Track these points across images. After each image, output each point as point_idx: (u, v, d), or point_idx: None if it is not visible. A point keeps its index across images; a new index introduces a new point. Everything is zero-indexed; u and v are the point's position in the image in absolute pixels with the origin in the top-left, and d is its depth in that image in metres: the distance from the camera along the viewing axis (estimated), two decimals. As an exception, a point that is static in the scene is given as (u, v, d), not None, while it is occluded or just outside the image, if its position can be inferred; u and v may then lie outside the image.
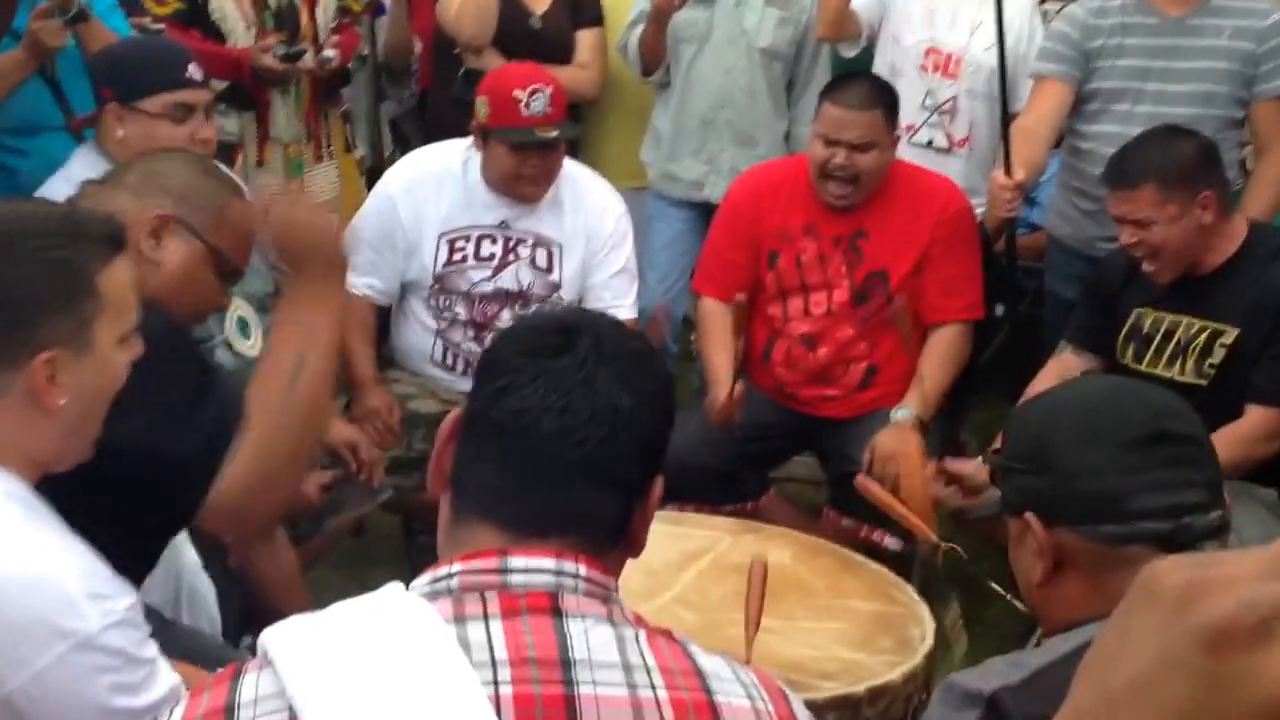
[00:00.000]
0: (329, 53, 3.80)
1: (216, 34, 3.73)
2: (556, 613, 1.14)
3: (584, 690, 1.11)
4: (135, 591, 1.58)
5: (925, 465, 3.19)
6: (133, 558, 2.16)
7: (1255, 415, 2.97)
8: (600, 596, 1.18)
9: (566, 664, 1.11)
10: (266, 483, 1.95)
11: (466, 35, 4.18)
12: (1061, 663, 1.34)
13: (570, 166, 3.52)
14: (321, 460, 3.20)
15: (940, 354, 3.44)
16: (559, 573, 1.16)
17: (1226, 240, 3.05)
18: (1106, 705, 0.56)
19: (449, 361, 3.49)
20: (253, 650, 2.50)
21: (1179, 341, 3.10)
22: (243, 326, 2.95)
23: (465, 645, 1.10)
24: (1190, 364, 3.07)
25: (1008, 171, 3.44)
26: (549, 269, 3.45)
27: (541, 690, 1.10)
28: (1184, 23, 3.46)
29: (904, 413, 3.33)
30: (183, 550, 2.48)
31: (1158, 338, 3.13)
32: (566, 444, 1.18)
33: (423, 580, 1.17)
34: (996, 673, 1.37)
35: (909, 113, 3.80)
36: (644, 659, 1.14)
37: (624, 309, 3.46)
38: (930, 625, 2.47)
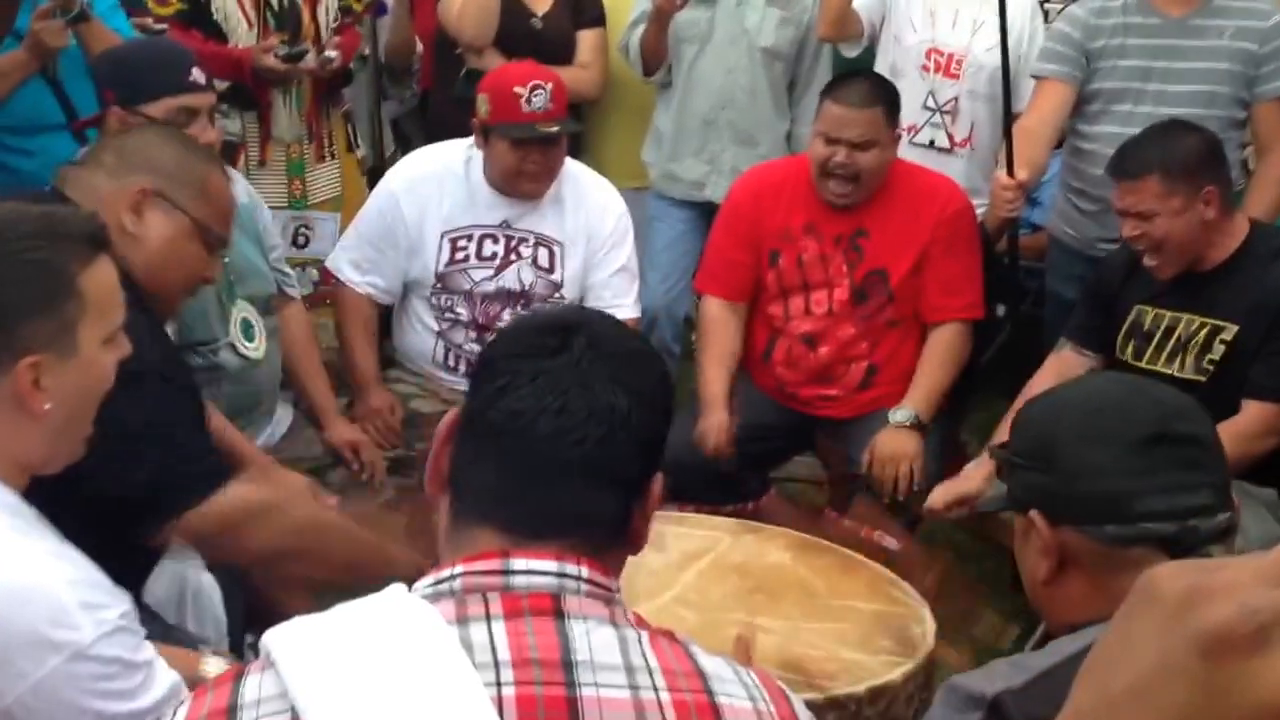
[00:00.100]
0: (331, 53, 3.80)
1: (218, 34, 3.72)
2: (559, 614, 1.14)
3: (586, 692, 1.11)
4: (129, 598, 1.56)
5: (923, 467, 3.21)
6: (132, 555, 2.16)
7: (1253, 411, 2.98)
8: (602, 598, 1.18)
9: (569, 665, 1.11)
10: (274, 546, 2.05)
11: (468, 35, 4.18)
12: (1064, 665, 1.33)
13: (571, 166, 3.52)
14: (324, 461, 3.21)
15: (940, 354, 3.44)
16: (561, 574, 1.16)
17: (1228, 237, 3.06)
18: (1106, 709, 0.56)
19: (451, 362, 3.49)
20: (255, 650, 2.51)
21: (1179, 338, 3.10)
22: (246, 328, 2.95)
23: (468, 646, 1.10)
24: (1190, 360, 3.08)
25: (1010, 171, 3.44)
26: (550, 268, 3.46)
27: (544, 691, 1.10)
28: (1185, 23, 3.46)
29: (903, 414, 3.34)
30: (186, 551, 2.48)
31: (1158, 334, 3.13)
32: (564, 444, 1.18)
33: (425, 582, 1.18)
34: (999, 675, 1.37)
35: (910, 113, 3.81)
36: (646, 660, 1.14)
37: (625, 308, 3.46)
38: (930, 626, 2.47)
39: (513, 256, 3.44)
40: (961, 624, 2.75)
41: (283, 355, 3.17)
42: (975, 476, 3.14)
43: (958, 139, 3.93)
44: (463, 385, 3.32)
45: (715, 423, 3.34)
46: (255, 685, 1.11)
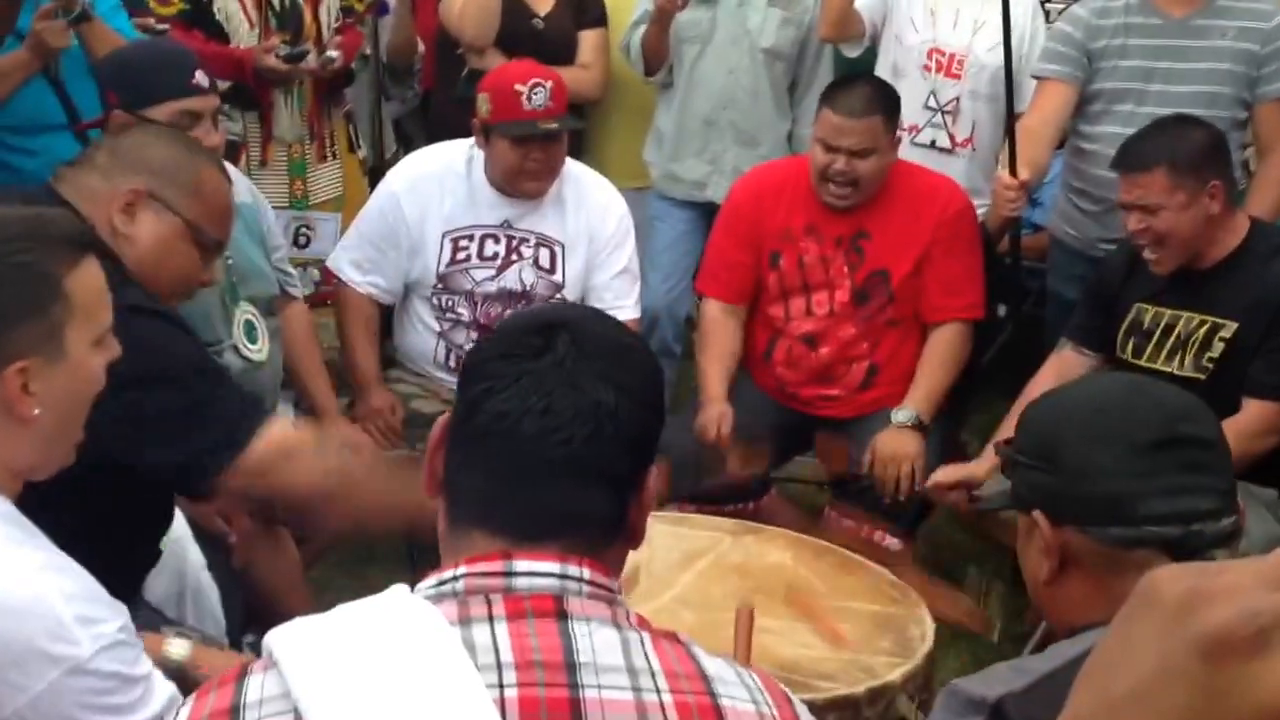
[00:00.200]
0: (332, 53, 3.80)
1: (220, 34, 3.72)
2: (561, 615, 1.14)
3: (589, 694, 1.10)
4: (126, 610, 1.55)
5: (925, 469, 3.21)
6: (131, 558, 2.16)
7: (1253, 409, 2.98)
8: (604, 599, 1.18)
9: (571, 667, 1.11)
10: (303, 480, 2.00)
11: (469, 35, 4.18)
12: (1066, 669, 1.32)
13: (573, 166, 3.52)
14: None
15: (941, 354, 3.45)
16: (563, 576, 1.16)
17: (1229, 234, 3.06)
18: (1106, 712, 0.57)
19: (452, 363, 3.49)
20: (254, 649, 2.50)
21: (1178, 336, 3.11)
22: (249, 330, 2.95)
23: (470, 648, 1.10)
24: (1189, 358, 3.08)
25: (1012, 171, 3.44)
26: (552, 269, 3.46)
27: (546, 693, 1.10)
28: (1187, 23, 3.46)
29: (905, 414, 3.34)
30: (187, 549, 2.48)
31: (1157, 332, 3.14)
32: (550, 444, 1.18)
33: (427, 583, 1.17)
34: (1000, 679, 1.36)
35: (912, 113, 3.81)
36: (648, 662, 1.14)
37: (626, 309, 3.46)
38: (930, 626, 2.47)
39: (514, 257, 3.44)
40: (962, 625, 2.75)
41: (284, 355, 3.17)
42: (981, 464, 3.14)
43: (959, 139, 3.93)
44: (463, 386, 3.33)
45: (715, 413, 3.34)
46: (258, 685, 1.10)
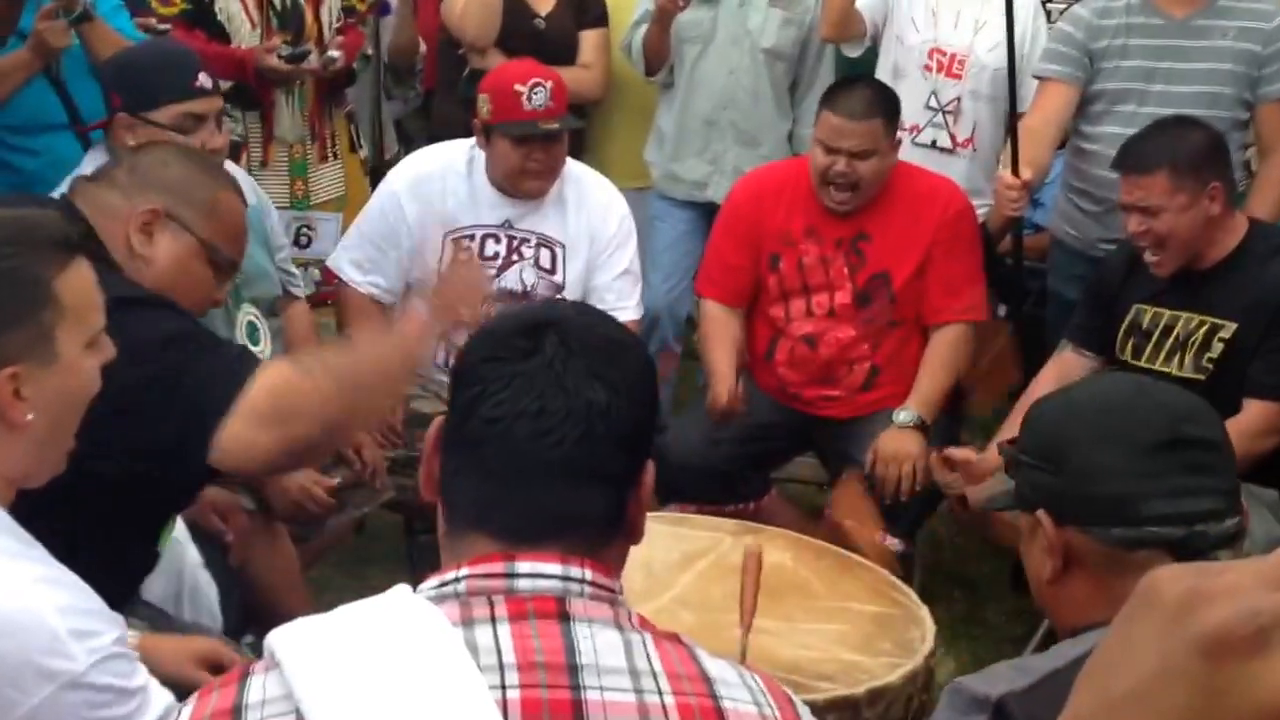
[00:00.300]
0: (333, 53, 3.80)
1: (221, 34, 3.73)
2: (564, 617, 1.14)
3: (591, 695, 1.10)
4: (122, 620, 1.54)
5: (925, 469, 3.21)
6: (129, 561, 2.16)
7: (1253, 410, 2.98)
8: (606, 599, 1.18)
9: (574, 669, 1.11)
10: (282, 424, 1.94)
11: (470, 35, 4.19)
12: (1068, 668, 1.32)
13: (574, 167, 3.52)
14: (325, 461, 3.21)
15: (942, 356, 3.45)
16: (565, 578, 1.16)
17: (1229, 235, 3.07)
18: (1107, 712, 0.57)
19: (452, 365, 3.49)
20: (253, 649, 2.51)
21: (1178, 337, 3.11)
22: (252, 331, 2.96)
23: (473, 649, 1.10)
24: (1189, 359, 3.08)
25: (1015, 171, 3.44)
26: (552, 269, 3.46)
27: (549, 695, 1.10)
28: (1189, 24, 3.46)
29: (907, 415, 3.34)
30: (184, 548, 2.48)
31: (1156, 333, 3.14)
32: (544, 446, 1.17)
33: (429, 584, 1.17)
34: (1003, 678, 1.36)
35: (913, 113, 3.81)
36: (651, 664, 1.14)
37: (627, 310, 3.45)
38: (930, 627, 2.47)
39: (514, 257, 3.44)
40: (961, 625, 2.75)
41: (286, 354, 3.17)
42: (988, 458, 3.14)
43: (960, 139, 3.93)
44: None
45: (723, 387, 3.34)
46: (260, 686, 1.11)
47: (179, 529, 2.44)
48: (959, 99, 3.89)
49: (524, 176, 3.35)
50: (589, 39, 4.25)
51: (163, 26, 3.62)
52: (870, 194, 3.40)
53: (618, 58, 4.25)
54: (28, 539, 1.52)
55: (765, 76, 4.09)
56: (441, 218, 3.42)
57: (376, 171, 4.22)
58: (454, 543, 1.21)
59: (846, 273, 3.46)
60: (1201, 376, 3.03)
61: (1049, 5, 4.30)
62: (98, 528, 1.90)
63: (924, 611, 2.52)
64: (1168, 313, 3.13)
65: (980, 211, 3.72)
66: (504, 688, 1.09)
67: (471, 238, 3.43)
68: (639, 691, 1.12)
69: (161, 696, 1.56)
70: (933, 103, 3.91)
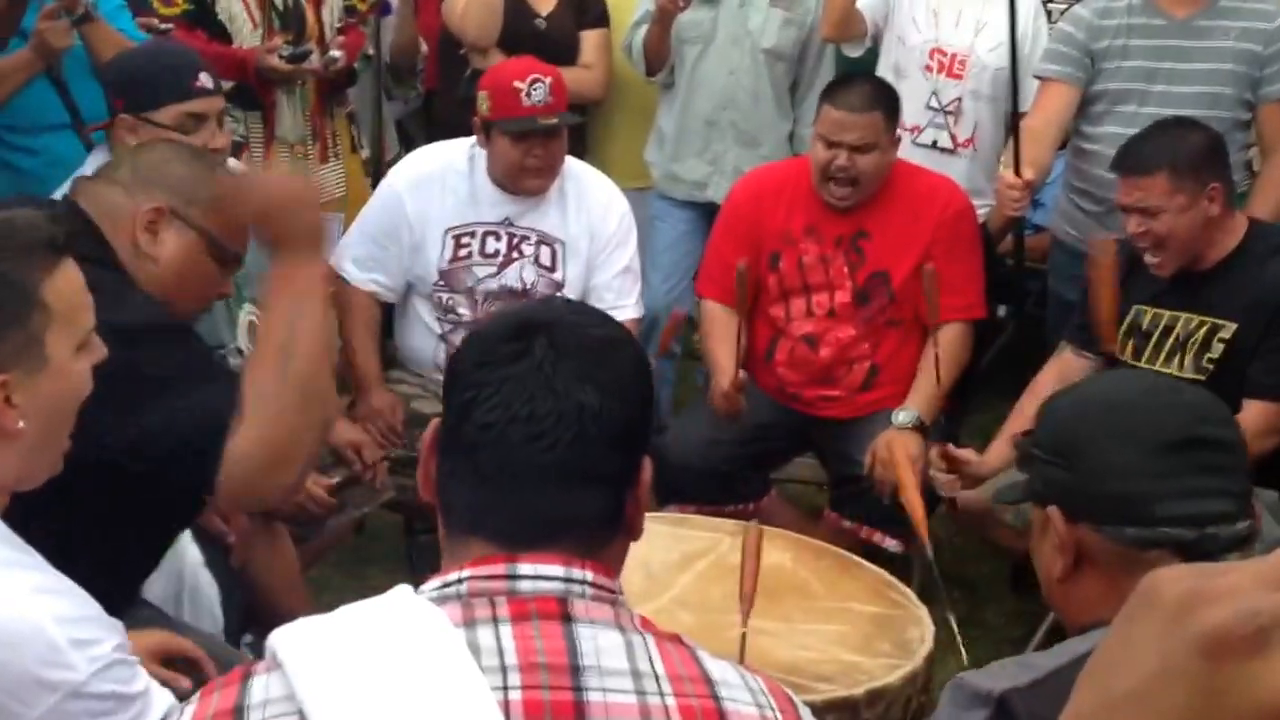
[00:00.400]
0: (335, 53, 3.80)
1: (223, 34, 3.73)
2: (566, 618, 1.14)
3: (593, 697, 1.11)
4: (121, 627, 1.54)
5: (924, 470, 3.21)
6: (129, 563, 2.15)
7: (1254, 410, 2.98)
8: (608, 600, 1.18)
9: (576, 670, 1.11)
10: (275, 462, 1.91)
11: (471, 35, 4.19)
12: (1071, 666, 1.32)
13: (574, 165, 3.53)
14: (325, 461, 3.21)
15: (942, 355, 3.45)
16: (568, 579, 1.16)
17: (1228, 235, 3.07)
18: (1107, 712, 0.57)
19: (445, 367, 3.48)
20: (253, 649, 2.50)
21: (1177, 337, 3.11)
22: (253, 330, 2.96)
23: (475, 650, 1.10)
24: (1189, 359, 3.08)
25: (1017, 171, 3.44)
26: (552, 267, 3.46)
27: (551, 696, 1.10)
28: (1190, 24, 3.46)
29: (906, 415, 3.35)
30: (185, 548, 2.48)
31: (1156, 334, 3.14)
32: (537, 450, 1.18)
33: (431, 585, 1.18)
34: (1006, 674, 1.36)
35: (913, 113, 3.81)
36: (652, 665, 1.14)
37: (627, 309, 3.46)
38: (929, 628, 2.47)
39: (514, 254, 3.45)
40: (961, 627, 2.75)
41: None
42: (987, 460, 3.14)
43: (960, 139, 3.93)
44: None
45: (725, 378, 3.33)
46: (262, 686, 1.11)
47: (180, 529, 2.44)
48: (960, 99, 3.90)
49: (524, 174, 3.35)
50: (590, 39, 4.26)
51: (164, 26, 3.62)
52: (870, 190, 3.41)
53: (618, 58, 4.25)
54: (23, 546, 1.51)
55: (766, 77, 4.10)
56: (441, 216, 3.42)
57: (377, 172, 4.23)
58: (453, 545, 1.21)
59: (846, 271, 3.46)
60: (1201, 377, 3.03)
61: (1050, 5, 4.30)
62: (94, 528, 1.89)
63: (923, 612, 2.52)
64: (1167, 313, 3.13)
65: (981, 212, 3.72)
66: (506, 689, 1.09)
67: (472, 234, 3.43)
68: (641, 693, 1.12)
69: (162, 698, 1.55)
70: (933, 103, 3.91)
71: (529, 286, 3.45)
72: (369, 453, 3.25)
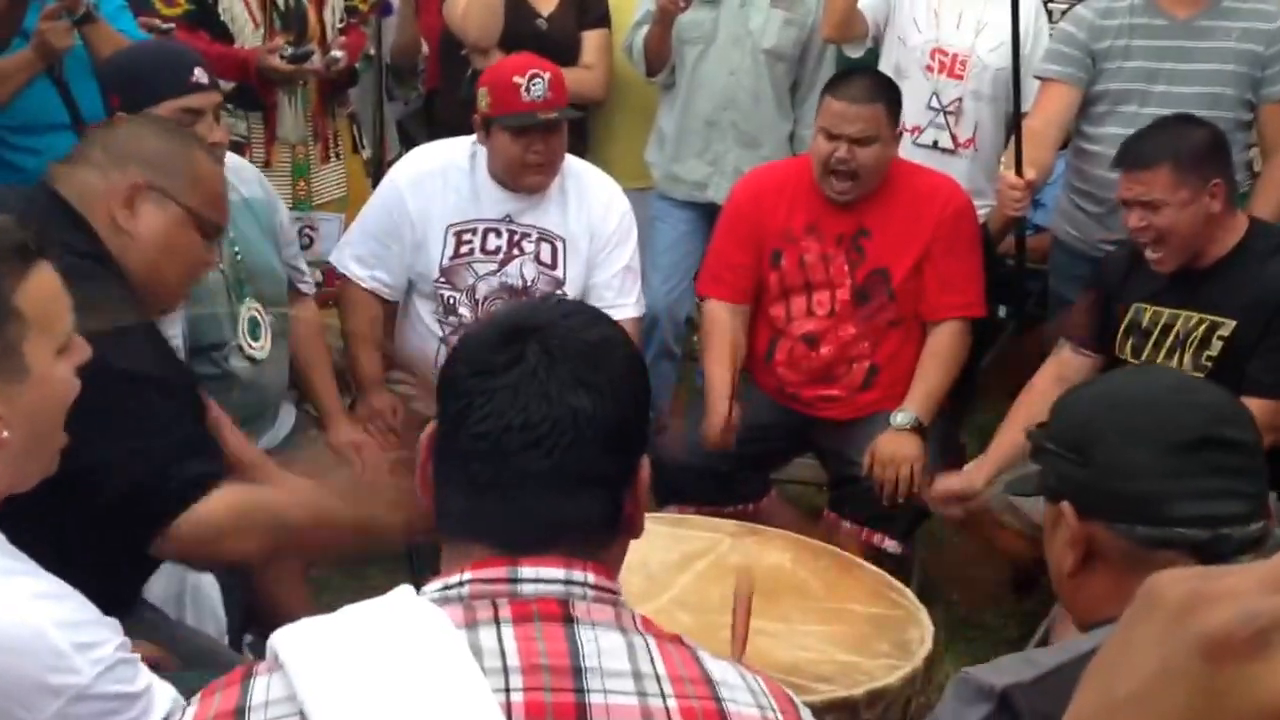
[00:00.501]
0: (336, 53, 3.80)
1: (225, 34, 3.73)
2: (568, 619, 1.14)
3: (595, 699, 1.11)
4: (120, 626, 1.54)
5: (924, 471, 3.21)
6: (128, 563, 2.15)
7: (1252, 408, 2.97)
8: (609, 601, 1.18)
9: (578, 671, 1.12)
10: (240, 531, 1.99)
11: (472, 36, 4.19)
12: (1075, 663, 1.31)
13: (575, 163, 3.53)
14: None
15: (940, 354, 3.45)
16: (569, 582, 1.16)
17: (1229, 233, 3.07)
18: (1108, 714, 0.57)
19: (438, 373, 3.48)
20: (254, 650, 2.50)
21: (1177, 335, 3.11)
22: (253, 327, 2.96)
23: (477, 651, 1.10)
24: (1188, 357, 3.09)
25: (1018, 171, 3.44)
26: (553, 264, 3.46)
27: (552, 698, 1.10)
28: (1192, 24, 3.47)
29: (904, 417, 3.35)
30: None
31: (1156, 332, 3.14)
32: (534, 457, 1.17)
33: (432, 587, 1.18)
34: (1010, 669, 1.36)
35: (914, 113, 3.81)
36: (654, 667, 1.15)
37: (627, 308, 3.46)
38: (929, 628, 2.47)
39: (515, 251, 3.45)
40: (961, 627, 2.75)
41: (290, 354, 3.17)
42: (978, 472, 3.15)
43: (961, 140, 3.93)
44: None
45: (718, 417, 3.35)
46: (264, 687, 1.11)
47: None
48: (960, 99, 3.90)
49: (524, 170, 3.35)
50: (591, 39, 4.26)
51: (166, 27, 3.62)
52: (871, 185, 3.41)
53: (619, 58, 4.25)
54: (18, 554, 1.50)
55: (766, 77, 4.10)
56: (443, 213, 3.42)
57: (379, 172, 4.23)
58: (453, 549, 1.21)
59: (847, 269, 3.47)
60: (1200, 375, 3.03)
61: (1050, 5, 4.30)
62: (90, 531, 1.89)
63: (923, 613, 2.52)
64: (1167, 311, 3.13)
65: (981, 212, 3.72)
66: (508, 690, 1.09)
67: (474, 231, 3.43)
68: (642, 694, 1.13)
69: (164, 694, 1.56)
70: (934, 103, 3.91)
71: (529, 284, 3.45)
72: (369, 453, 3.25)
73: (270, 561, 2.09)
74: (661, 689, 1.13)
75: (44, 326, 1.51)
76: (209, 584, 2.50)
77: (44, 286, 1.53)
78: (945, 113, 3.92)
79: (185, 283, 2.25)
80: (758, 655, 2.25)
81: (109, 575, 1.77)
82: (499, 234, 3.44)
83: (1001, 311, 3.96)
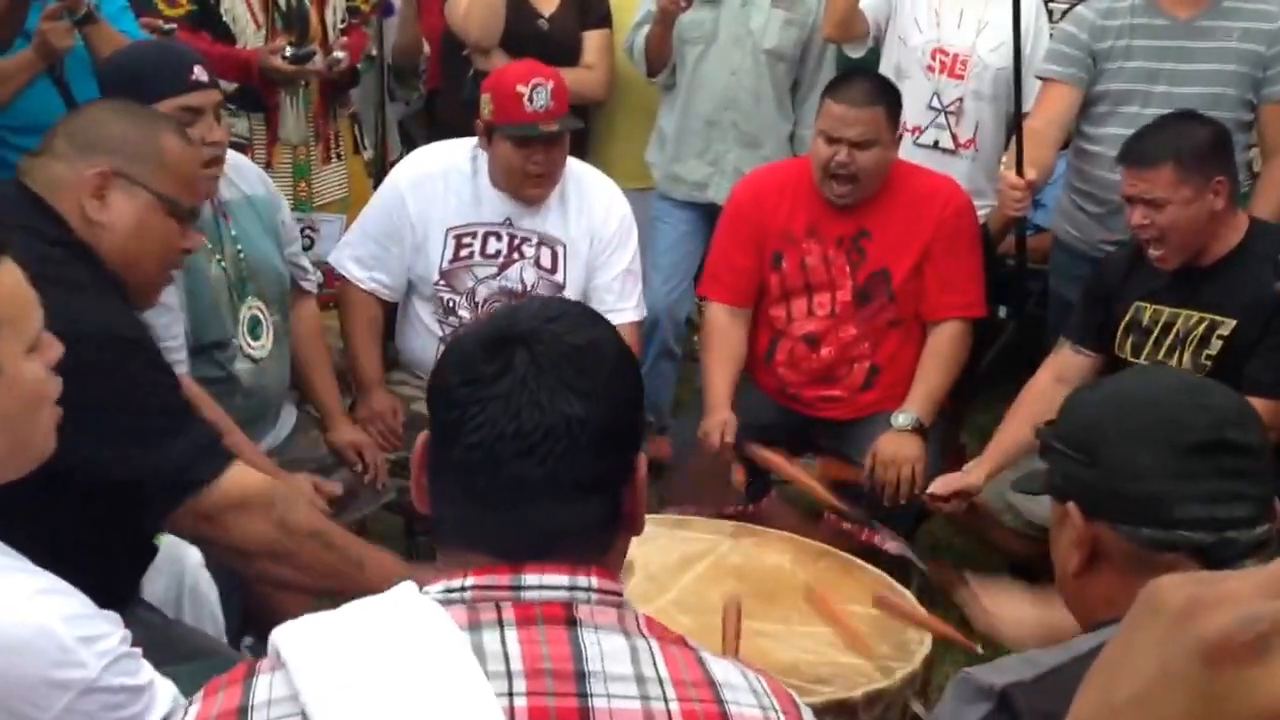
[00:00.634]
0: (338, 54, 3.81)
1: (226, 35, 3.73)
2: (571, 622, 1.14)
3: (598, 703, 1.11)
4: (120, 619, 1.54)
5: (925, 472, 3.22)
6: (125, 557, 2.15)
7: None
8: (612, 604, 1.18)
9: (581, 675, 1.11)
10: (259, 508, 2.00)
11: (474, 36, 4.19)
12: (1075, 662, 1.32)
13: (575, 166, 3.53)
14: (326, 462, 3.21)
15: (940, 354, 3.45)
16: (573, 587, 1.16)
17: (1231, 231, 3.08)
18: (1108, 717, 0.57)
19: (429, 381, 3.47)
20: (253, 651, 2.49)
21: (1177, 334, 3.12)
22: (254, 325, 2.96)
23: (480, 654, 1.10)
24: (1188, 356, 3.09)
25: (1019, 171, 3.45)
26: (553, 269, 3.46)
27: (555, 703, 1.10)
28: (1193, 25, 3.47)
29: (905, 418, 3.35)
30: (185, 548, 2.48)
31: (1156, 330, 3.15)
32: (528, 466, 1.17)
33: (435, 587, 1.17)
34: (1010, 669, 1.35)
35: (915, 114, 3.81)
36: (657, 670, 1.14)
37: (627, 311, 3.46)
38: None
39: (515, 255, 3.45)
40: (960, 628, 2.75)
41: (292, 354, 3.17)
42: (976, 471, 3.16)
43: (962, 140, 3.93)
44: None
45: (718, 421, 3.35)
46: (266, 686, 1.11)
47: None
48: (961, 99, 3.90)
49: (525, 181, 3.35)
50: (592, 40, 4.26)
51: (168, 27, 3.62)
52: (871, 188, 3.41)
53: (620, 59, 4.25)
54: (11, 552, 1.50)
55: (767, 77, 4.10)
56: (443, 215, 3.43)
57: (380, 173, 4.23)
58: (449, 556, 1.21)
59: (848, 271, 3.47)
60: (1200, 374, 3.04)
61: (1051, 5, 4.30)
62: (86, 527, 1.89)
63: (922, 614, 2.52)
64: (1167, 310, 3.13)
65: (982, 213, 3.72)
66: (511, 695, 1.09)
67: (474, 234, 3.43)
68: (645, 698, 1.12)
69: (166, 688, 1.56)
70: (935, 103, 3.91)
71: (529, 287, 3.45)
72: (370, 454, 3.25)
73: (255, 558, 2.07)
74: (664, 692, 1.13)
75: (11, 326, 1.46)
76: (207, 584, 2.50)
77: (8, 285, 1.47)
78: (946, 113, 3.92)
79: (163, 270, 2.20)
80: (757, 656, 2.26)
81: (105, 572, 1.76)
82: (499, 238, 3.44)
83: (1001, 311, 3.96)
